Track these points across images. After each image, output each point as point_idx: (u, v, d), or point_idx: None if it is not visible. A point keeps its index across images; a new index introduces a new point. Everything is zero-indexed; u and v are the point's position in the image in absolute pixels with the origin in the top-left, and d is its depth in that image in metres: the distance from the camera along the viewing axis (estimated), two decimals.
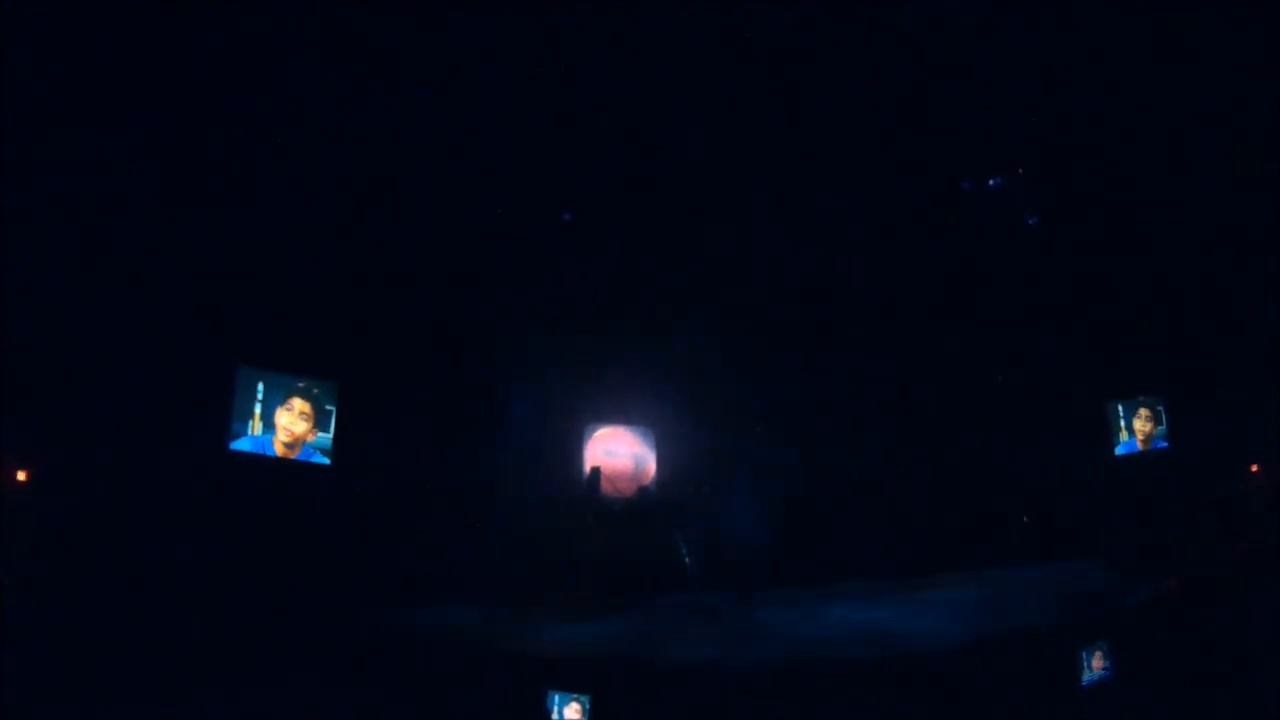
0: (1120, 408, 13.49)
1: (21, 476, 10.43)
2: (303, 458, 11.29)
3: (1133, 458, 13.49)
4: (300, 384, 11.36)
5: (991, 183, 12.75)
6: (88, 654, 9.37)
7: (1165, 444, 13.48)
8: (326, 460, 11.39)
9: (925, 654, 10.49)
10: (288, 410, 11.23)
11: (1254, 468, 13.41)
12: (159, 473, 10.78)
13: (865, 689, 9.89)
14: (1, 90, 9.57)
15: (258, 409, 11.15)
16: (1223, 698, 9.94)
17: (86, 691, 9.20)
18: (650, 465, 14.18)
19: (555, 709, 9.99)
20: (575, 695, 10.00)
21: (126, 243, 11.16)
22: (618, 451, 14.21)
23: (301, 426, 11.27)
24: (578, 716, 10.07)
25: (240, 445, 11.00)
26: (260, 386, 11.20)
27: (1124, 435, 13.49)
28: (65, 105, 10.27)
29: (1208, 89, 11.70)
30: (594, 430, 14.15)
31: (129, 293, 11.16)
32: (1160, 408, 13.51)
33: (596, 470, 13.90)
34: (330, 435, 11.44)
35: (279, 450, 11.15)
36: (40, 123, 10.15)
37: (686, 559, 12.99)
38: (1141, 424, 13.47)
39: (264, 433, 11.11)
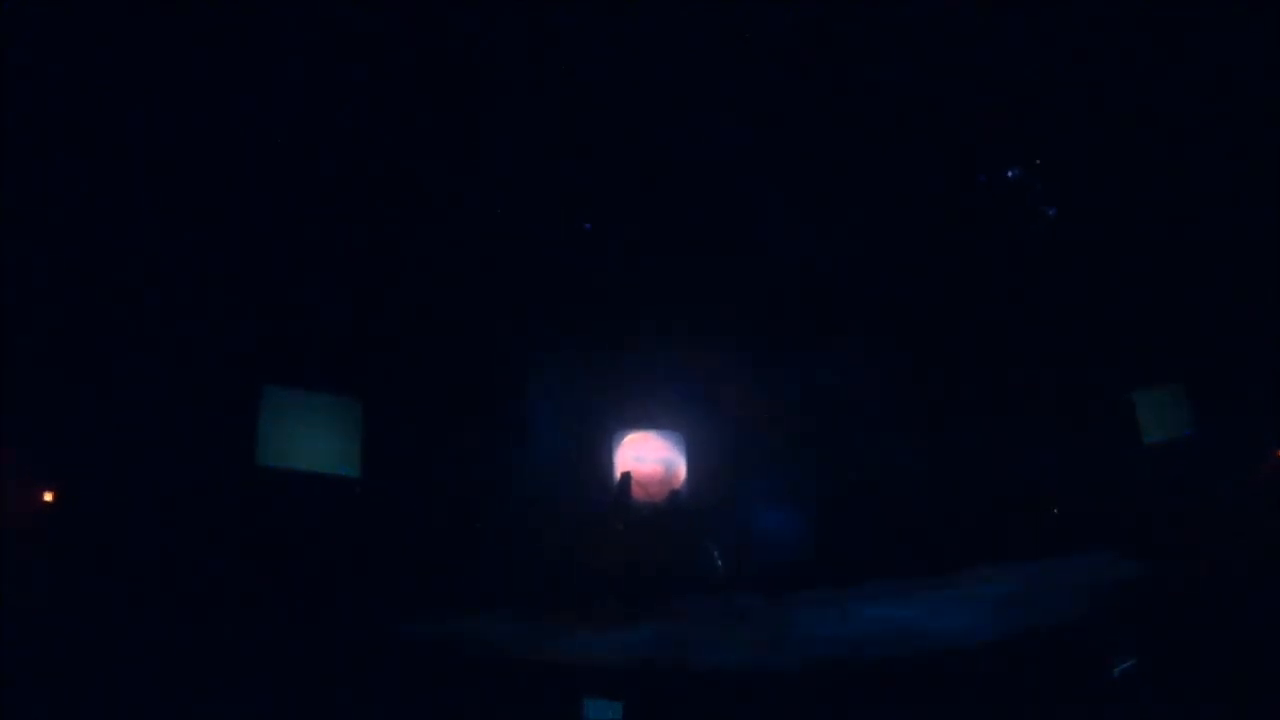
0: (1145, 397, 12.99)
1: (48, 497, 10.09)
2: (330, 471, 10.91)
3: (1159, 446, 13.01)
4: (326, 399, 10.97)
5: (1010, 174, 12.29)
6: (116, 669, 8.94)
7: (1190, 432, 12.98)
8: (355, 473, 11.01)
9: (959, 651, 9.92)
10: (314, 426, 10.85)
11: (1279, 453, 12.76)
12: (190, 489, 10.44)
13: (900, 688, 9.31)
14: (21, 101, 9.27)
15: (285, 425, 10.78)
16: (1253, 688, 9.29)
17: (117, 706, 8.76)
18: (680, 469, 13.75)
19: (590, 716, 9.42)
20: (610, 702, 9.44)
21: (155, 265, 10.86)
22: (647, 457, 13.78)
23: (328, 441, 10.89)
24: None
25: (268, 461, 10.62)
26: (287, 403, 10.83)
27: (1150, 424, 13.03)
28: (88, 121, 9.93)
29: (1228, 81, 11.18)
30: (623, 436, 13.72)
31: (158, 315, 10.87)
32: (1185, 396, 13.01)
33: (627, 476, 13.43)
34: (358, 449, 11.07)
35: (306, 465, 10.76)
36: (61, 141, 9.83)
37: (719, 562, 12.51)
38: (1167, 412, 12.98)
39: (292, 448, 10.73)
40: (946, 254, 12.92)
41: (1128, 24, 10.84)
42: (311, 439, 11.17)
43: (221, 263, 11.09)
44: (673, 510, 13.31)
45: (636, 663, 10.07)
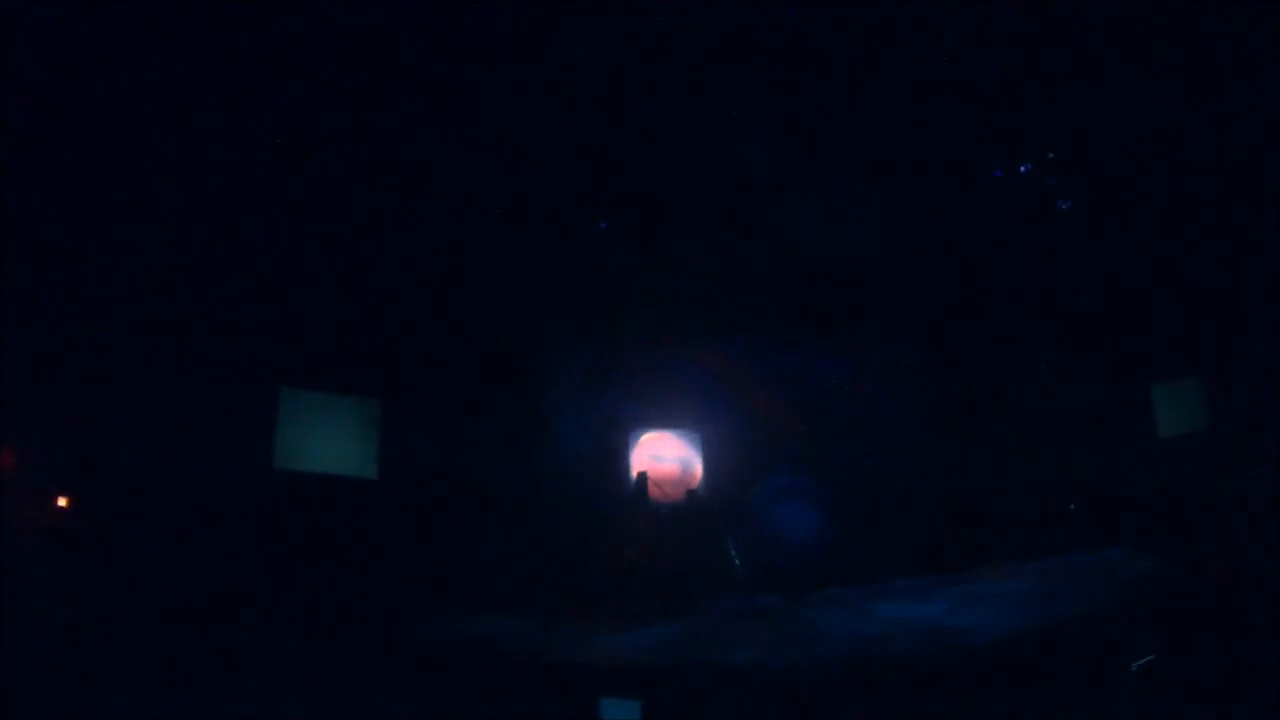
0: (1162, 392, 12.78)
1: (62, 502, 9.99)
2: (348, 473, 10.79)
3: (1175, 441, 12.79)
4: (343, 401, 10.86)
5: (1023, 169, 12.09)
6: (133, 670, 8.84)
7: (1207, 427, 12.76)
8: (372, 475, 10.90)
9: (978, 647, 9.74)
10: (331, 428, 10.74)
11: None
12: (206, 492, 10.33)
13: (920, 685, 9.12)
14: (23, 101, 9.18)
15: (302, 428, 10.67)
16: (1270, 682, 9.08)
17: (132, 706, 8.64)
18: (697, 469, 13.61)
19: (606, 715, 9.25)
20: (627, 701, 9.27)
21: (170, 269, 10.75)
22: (664, 456, 13.65)
23: (345, 443, 10.77)
24: None
25: (287, 463, 10.52)
26: (305, 405, 10.72)
27: (1166, 419, 12.85)
28: (95, 121, 9.83)
29: (1246, 76, 10.95)
30: (640, 436, 13.57)
31: (174, 319, 10.75)
32: (1202, 391, 12.78)
33: (643, 475, 13.31)
34: (374, 451, 10.96)
35: (324, 467, 10.65)
36: (68, 142, 9.74)
37: (736, 561, 12.34)
38: (1183, 408, 12.79)
39: (309, 450, 10.62)
40: (962, 250, 12.76)
41: (1142, 18, 10.62)
42: (328, 441, 11.08)
43: (237, 265, 10.98)
44: (690, 509, 13.18)
45: (654, 662, 9.91)
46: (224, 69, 10.21)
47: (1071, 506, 12.71)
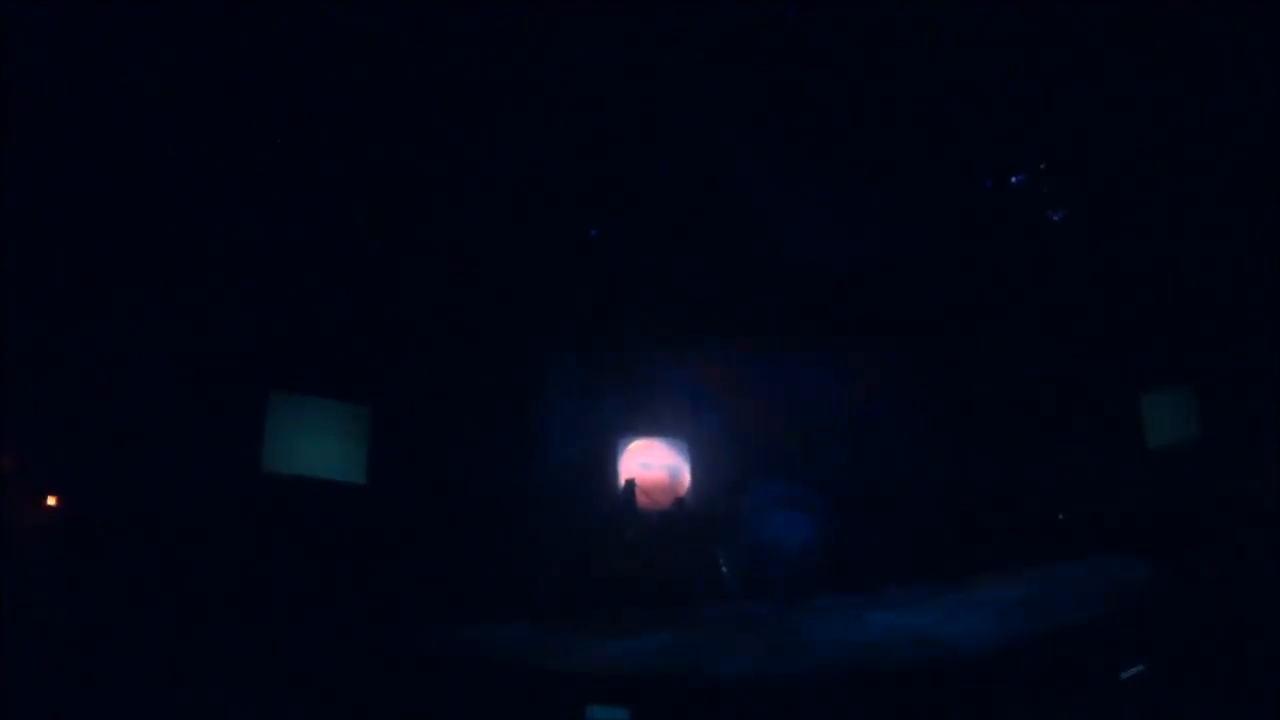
0: (1151, 402, 12.77)
1: (51, 501, 9.85)
2: (338, 478, 10.68)
3: (1165, 450, 12.75)
4: (333, 407, 10.77)
5: (1014, 180, 12.01)
6: (119, 673, 8.70)
7: (1198, 436, 12.73)
8: (361, 480, 10.80)
9: (970, 656, 9.63)
10: (321, 432, 10.64)
11: None
12: (195, 495, 10.25)
13: (912, 695, 9.01)
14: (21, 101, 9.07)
15: (292, 432, 10.56)
16: (1259, 689, 9.00)
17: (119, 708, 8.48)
18: (685, 477, 13.50)
19: None
20: (615, 709, 9.12)
21: (161, 271, 10.64)
22: (652, 464, 13.56)
23: (334, 448, 10.66)
24: None
25: (276, 467, 10.41)
26: (294, 410, 10.62)
27: (1156, 429, 12.82)
28: (91, 123, 9.71)
29: (1237, 83, 10.90)
30: (628, 443, 13.44)
31: (165, 321, 10.65)
32: (1192, 400, 12.76)
33: (631, 483, 13.24)
34: (364, 456, 10.87)
35: (313, 471, 10.55)
36: (65, 145, 9.62)
37: (724, 570, 12.21)
38: (1173, 417, 12.77)
39: (298, 454, 10.51)
40: (953, 260, 12.71)
41: (1131, 29, 10.57)
42: (318, 445, 11.00)
43: (229, 269, 10.88)
44: (678, 517, 13.05)
45: (642, 670, 9.78)
46: (213, 75, 10.08)
47: (1060, 516, 12.65)
